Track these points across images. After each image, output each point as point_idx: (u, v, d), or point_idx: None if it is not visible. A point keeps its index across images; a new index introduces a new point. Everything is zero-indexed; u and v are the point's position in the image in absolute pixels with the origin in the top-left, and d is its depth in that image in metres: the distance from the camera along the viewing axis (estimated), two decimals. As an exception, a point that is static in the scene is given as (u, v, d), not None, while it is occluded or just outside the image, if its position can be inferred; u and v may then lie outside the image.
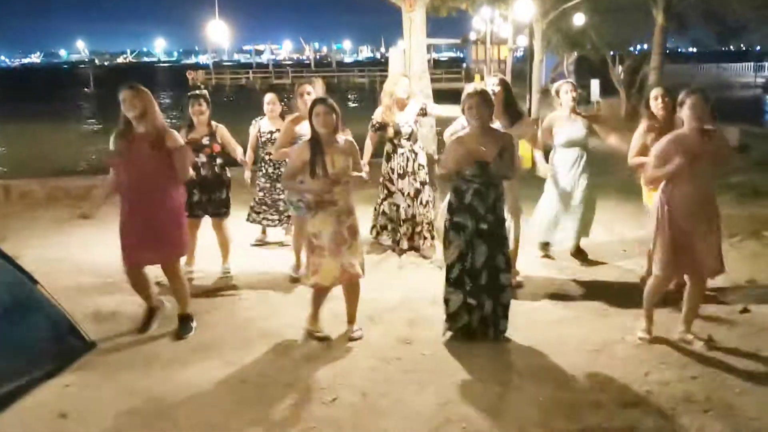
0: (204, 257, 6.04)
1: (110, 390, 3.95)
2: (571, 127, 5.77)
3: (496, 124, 4.79)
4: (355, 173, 4.42)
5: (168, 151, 4.48)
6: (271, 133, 6.41)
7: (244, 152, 6.23)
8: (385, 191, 6.37)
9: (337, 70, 76.03)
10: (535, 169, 5.95)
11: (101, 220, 7.70)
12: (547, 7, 20.29)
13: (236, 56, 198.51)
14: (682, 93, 4.17)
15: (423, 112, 6.27)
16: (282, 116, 6.39)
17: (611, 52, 25.15)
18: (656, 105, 5.11)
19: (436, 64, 59.13)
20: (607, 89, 24.29)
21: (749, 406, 3.63)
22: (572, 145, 5.78)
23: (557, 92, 5.88)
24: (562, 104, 5.81)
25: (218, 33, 56.87)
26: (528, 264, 5.90)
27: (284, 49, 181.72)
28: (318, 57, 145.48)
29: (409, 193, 6.26)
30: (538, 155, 5.81)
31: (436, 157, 6.71)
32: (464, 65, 56.33)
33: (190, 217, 5.41)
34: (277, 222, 6.70)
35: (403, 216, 6.29)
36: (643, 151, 4.90)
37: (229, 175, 5.97)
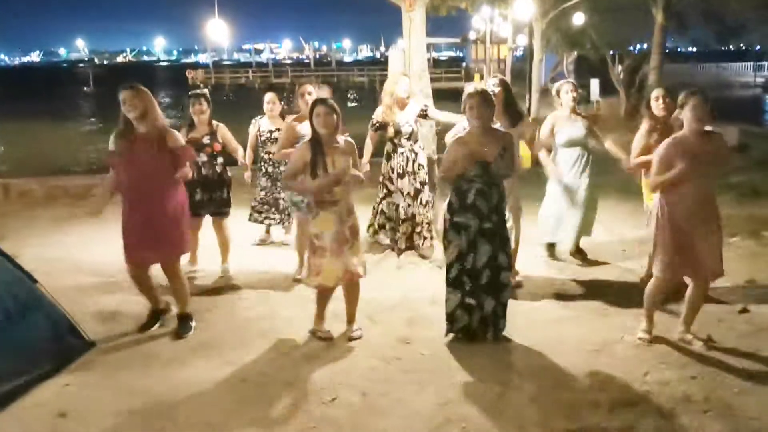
0: (204, 257, 6.03)
1: (110, 389, 3.94)
2: (572, 127, 5.77)
3: (497, 125, 4.79)
4: (354, 172, 4.42)
5: (169, 151, 4.48)
6: (271, 132, 6.40)
7: (244, 152, 6.23)
8: (385, 190, 6.37)
9: (337, 69, 76.03)
10: (535, 168, 5.95)
11: (100, 219, 7.72)
12: (546, 7, 20.31)
13: (236, 55, 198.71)
14: (682, 94, 4.16)
15: (423, 114, 6.26)
16: (282, 116, 6.39)
17: (611, 52, 25.16)
18: (657, 106, 5.11)
19: (435, 64, 59.18)
20: (607, 89, 24.31)
21: (748, 406, 3.63)
22: (573, 145, 5.78)
23: (558, 92, 5.87)
24: (563, 104, 5.81)
25: (218, 32, 56.77)
26: (528, 264, 5.89)
27: (284, 48, 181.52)
28: (318, 56, 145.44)
29: (408, 193, 6.26)
30: (543, 156, 5.81)
31: (435, 157, 6.70)
32: (464, 64, 56.31)
33: (193, 216, 5.43)
34: (279, 220, 6.70)
35: (402, 215, 6.29)
36: (646, 152, 4.90)
37: (230, 174, 5.97)
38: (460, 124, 4.97)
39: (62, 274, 5.80)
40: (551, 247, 6.26)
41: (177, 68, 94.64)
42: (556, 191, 5.91)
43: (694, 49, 56.01)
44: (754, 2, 19.16)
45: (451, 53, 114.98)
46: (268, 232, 6.93)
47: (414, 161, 6.24)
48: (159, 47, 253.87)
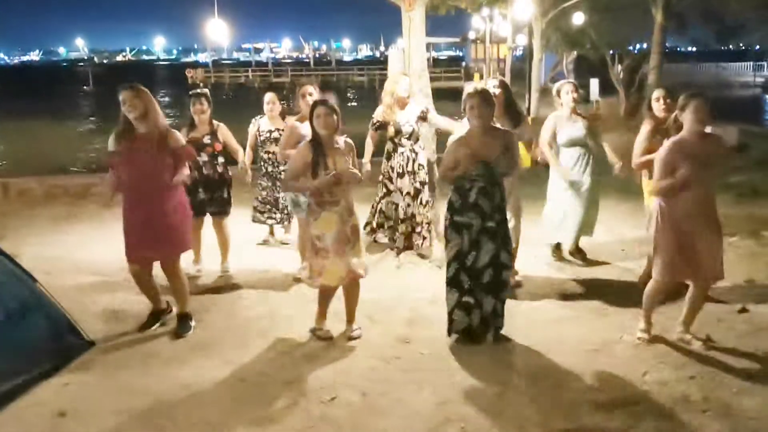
0: (204, 256, 6.04)
1: (109, 388, 3.95)
2: (572, 128, 5.77)
3: (497, 125, 4.78)
4: (352, 170, 4.40)
5: (170, 151, 4.48)
6: (270, 132, 6.41)
7: (244, 152, 6.23)
8: (384, 190, 6.37)
9: (337, 68, 76.05)
10: (535, 169, 5.94)
11: (99, 219, 7.74)
12: (546, 6, 20.33)
13: (235, 54, 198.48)
14: (683, 96, 4.16)
15: (423, 116, 6.26)
16: (282, 116, 6.39)
17: (610, 51, 25.16)
18: (658, 106, 5.11)
19: (435, 63, 59.24)
20: (607, 88, 24.30)
21: (747, 406, 3.64)
22: (574, 145, 5.78)
23: (558, 92, 5.87)
24: (563, 104, 5.81)
25: (217, 31, 56.79)
26: (527, 264, 5.89)
27: (283, 48, 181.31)
28: (317, 55, 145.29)
29: (408, 193, 6.26)
30: (549, 155, 5.80)
31: (435, 157, 6.70)
32: (463, 64, 56.33)
33: (195, 216, 5.45)
34: (279, 219, 6.70)
35: (401, 215, 6.29)
36: (648, 153, 4.88)
37: (230, 173, 5.98)
38: (461, 131, 4.96)
39: (62, 274, 5.80)
40: (557, 248, 6.25)
41: (177, 67, 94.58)
42: (558, 192, 5.92)
43: (694, 49, 56.11)
44: (753, 2, 19.18)
45: (451, 53, 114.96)
46: (272, 233, 6.93)
47: (414, 161, 6.24)
48: (159, 46, 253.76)
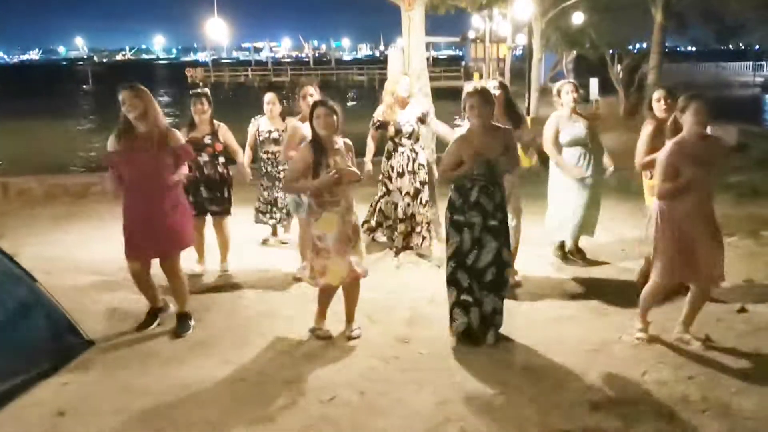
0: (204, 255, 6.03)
1: (108, 388, 3.95)
2: (573, 127, 5.78)
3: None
4: (351, 168, 4.40)
5: (170, 151, 4.49)
6: (270, 132, 6.42)
7: (243, 152, 6.23)
8: (384, 189, 6.37)
9: (336, 68, 76.01)
10: (535, 168, 5.95)
11: (99, 218, 7.74)
12: (546, 6, 20.33)
13: (235, 54, 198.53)
14: (682, 98, 4.16)
15: (422, 119, 6.26)
16: (282, 116, 6.39)
17: (610, 51, 25.18)
18: (659, 107, 5.11)
19: (435, 62, 59.23)
20: (606, 88, 24.32)
21: (746, 406, 3.64)
22: (575, 144, 5.79)
23: (558, 92, 5.87)
24: (563, 104, 5.81)
25: (217, 30, 56.74)
26: (527, 264, 5.89)
27: (283, 47, 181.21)
28: (317, 55, 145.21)
29: (408, 192, 6.26)
30: (555, 154, 5.79)
31: (434, 157, 6.70)
32: (463, 63, 56.32)
33: (197, 216, 5.48)
34: (280, 218, 6.70)
35: (400, 215, 6.29)
36: (653, 153, 4.87)
37: (231, 173, 5.98)
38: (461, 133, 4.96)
39: (61, 273, 5.80)
40: (561, 246, 6.25)
41: (176, 66, 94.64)
42: (559, 192, 5.92)
43: (694, 49, 56.14)
44: (753, 2, 19.19)
45: (451, 52, 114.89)
46: (274, 232, 6.93)
47: (414, 161, 6.24)
48: (158, 45, 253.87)
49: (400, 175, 6.24)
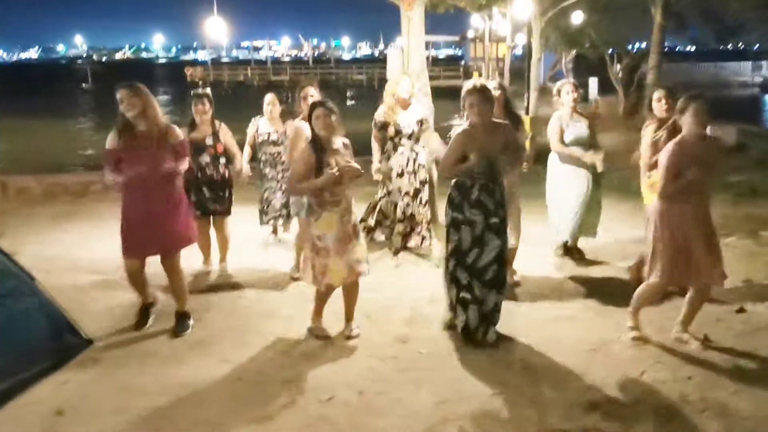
0: (202, 255, 6.03)
1: (107, 387, 3.95)
2: (575, 127, 5.78)
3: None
4: (351, 165, 4.39)
5: (170, 148, 4.49)
6: (269, 134, 6.42)
7: (242, 154, 6.24)
8: (384, 189, 6.37)
9: (336, 67, 75.95)
10: (535, 168, 5.95)
11: (98, 217, 7.74)
12: (545, 5, 20.27)
13: (234, 52, 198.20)
14: (682, 99, 4.16)
15: (422, 124, 6.25)
16: (282, 116, 6.38)
17: (609, 51, 25.15)
18: (659, 107, 5.11)
19: (434, 62, 59.15)
20: (606, 87, 24.35)
21: (744, 406, 3.64)
22: (577, 144, 5.78)
23: (558, 92, 5.87)
24: (564, 104, 5.81)
25: (216, 29, 56.56)
26: (527, 264, 5.89)
27: (282, 46, 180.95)
28: (316, 54, 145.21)
29: (407, 192, 6.26)
30: (566, 149, 5.77)
31: (434, 156, 6.69)
32: (462, 63, 56.31)
33: (201, 216, 5.48)
34: (278, 217, 6.70)
35: (399, 215, 6.29)
36: (656, 151, 4.88)
37: (232, 173, 5.98)
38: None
39: (61, 272, 5.80)
40: (564, 245, 6.24)
41: (176, 65, 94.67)
42: (560, 192, 5.92)
43: (693, 48, 56.20)
44: (753, 2, 19.18)
45: (450, 51, 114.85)
46: (274, 231, 6.93)
47: (414, 161, 6.25)
48: (158, 44, 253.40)
49: (400, 175, 6.24)
